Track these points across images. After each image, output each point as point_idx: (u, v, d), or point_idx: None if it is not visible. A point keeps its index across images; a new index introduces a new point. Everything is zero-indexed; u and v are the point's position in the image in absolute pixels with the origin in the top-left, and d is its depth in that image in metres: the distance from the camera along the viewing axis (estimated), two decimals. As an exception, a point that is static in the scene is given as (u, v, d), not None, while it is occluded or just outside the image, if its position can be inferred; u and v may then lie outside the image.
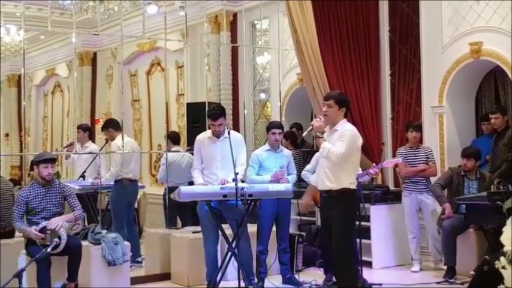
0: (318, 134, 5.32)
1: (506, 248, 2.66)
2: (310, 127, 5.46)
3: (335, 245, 5.27)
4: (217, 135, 6.19)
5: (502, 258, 2.66)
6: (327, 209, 5.35)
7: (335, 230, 5.28)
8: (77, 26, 8.54)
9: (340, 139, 5.20)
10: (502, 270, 2.68)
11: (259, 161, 6.75)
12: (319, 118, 5.40)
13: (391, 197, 7.95)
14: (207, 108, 7.99)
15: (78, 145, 8.90)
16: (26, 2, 8.34)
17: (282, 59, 9.64)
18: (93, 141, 13.02)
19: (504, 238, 2.71)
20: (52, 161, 6.20)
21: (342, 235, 5.29)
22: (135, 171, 8.31)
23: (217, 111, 6.15)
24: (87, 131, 9.19)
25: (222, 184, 5.79)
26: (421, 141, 7.75)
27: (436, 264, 7.53)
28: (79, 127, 9.19)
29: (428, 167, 7.51)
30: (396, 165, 7.65)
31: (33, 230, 5.95)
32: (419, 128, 7.66)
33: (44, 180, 6.17)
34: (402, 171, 7.59)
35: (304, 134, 6.02)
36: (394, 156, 7.88)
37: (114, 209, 8.25)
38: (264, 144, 7.14)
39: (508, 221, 2.74)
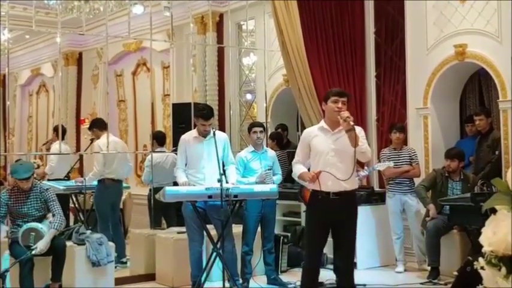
0: (352, 123, 4.97)
1: (485, 249, 2.67)
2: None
3: (347, 252, 5.21)
4: (204, 135, 6.19)
5: (480, 259, 2.67)
6: (334, 212, 5.06)
7: (349, 236, 5.19)
8: (62, 26, 8.48)
9: (362, 137, 5.09)
10: (481, 271, 2.69)
11: (244, 163, 6.76)
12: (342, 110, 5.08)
13: (375, 198, 7.98)
14: (192, 109, 8.02)
15: (55, 145, 8.97)
16: (11, 1, 8.28)
17: (268, 60, 9.65)
18: (78, 141, 13.02)
19: (483, 239, 2.72)
20: (25, 179, 6.07)
21: (354, 241, 5.31)
22: (119, 172, 8.29)
23: (208, 111, 6.19)
24: (55, 132, 9.20)
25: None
26: (405, 142, 7.79)
27: (420, 265, 7.56)
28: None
29: (412, 168, 7.55)
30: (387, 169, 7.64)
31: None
32: (402, 130, 7.70)
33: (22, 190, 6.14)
34: (386, 172, 7.62)
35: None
36: (378, 157, 7.91)
37: (97, 209, 8.24)
38: (248, 146, 7.13)
39: (487, 222, 2.76)
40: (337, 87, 7.97)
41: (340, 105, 5.10)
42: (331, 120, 5.14)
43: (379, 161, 7.66)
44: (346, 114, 4.98)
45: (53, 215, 6.17)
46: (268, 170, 6.71)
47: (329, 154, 5.10)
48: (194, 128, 6.42)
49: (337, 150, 5.08)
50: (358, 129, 5.13)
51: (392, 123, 7.92)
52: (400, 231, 7.60)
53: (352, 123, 4.93)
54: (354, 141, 4.94)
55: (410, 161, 7.57)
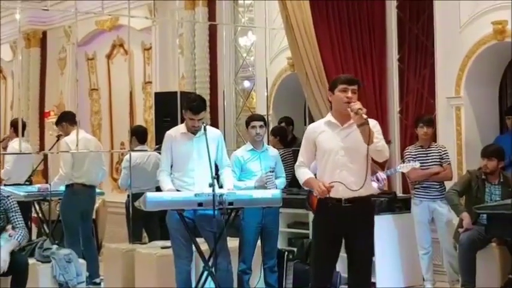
0: (365, 116, 4.93)
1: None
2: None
3: (363, 269, 5.21)
4: (193, 131, 6.20)
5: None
6: (347, 222, 5.09)
7: (365, 250, 5.21)
8: (23, 0, 8.49)
9: (377, 132, 5.07)
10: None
11: (241, 164, 6.77)
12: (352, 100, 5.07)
13: (398, 205, 7.98)
14: (179, 99, 8.03)
15: (12, 143, 8.99)
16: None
17: (269, 40, 9.64)
18: (42, 139, 13.02)
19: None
20: None
21: (371, 257, 5.33)
22: (90, 175, 8.30)
23: (200, 103, 6.18)
24: (13, 127, 9.28)
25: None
26: (434, 138, 7.79)
27: (452, 284, 7.58)
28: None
29: (442, 169, 7.55)
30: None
31: None
32: (431, 123, 7.68)
33: None
34: (411, 175, 7.62)
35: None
36: (402, 157, 7.92)
37: (65, 220, 8.24)
38: (246, 143, 7.14)
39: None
40: (352, 71, 8.03)
41: (349, 94, 5.07)
42: (340, 112, 5.14)
43: (403, 161, 7.66)
44: (357, 105, 4.96)
45: (14, 228, 6.17)
46: (270, 172, 6.72)
47: (338, 153, 5.09)
48: (182, 123, 6.42)
49: (348, 149, 5.08)
50: (373, 123, 5.12)
51: (418, 116, 7.91)
52: (428, 245, 7.60)
53: (365, 116, 4.91)
54: (368, 137, 4.94)
55: (441, 161, 7.57)
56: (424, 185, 7.58)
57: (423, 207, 7.58)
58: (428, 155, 7.60)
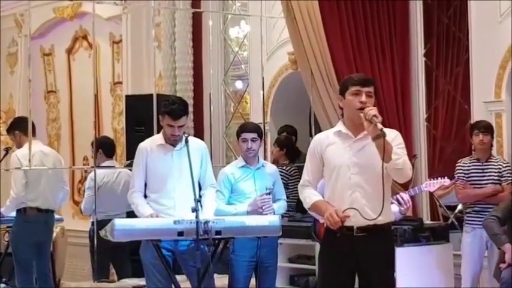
0: (382, 128, 4.87)
1: None
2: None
3: None
4: (173, 142, 6.20)
5: None
6: (361, 256, 5.08)
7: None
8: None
9: (398, 146, 5.05)
10: None
11: (231, 183, 6.73)
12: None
13: (425, 234, 7.96)
14: (155, 104, 8.01)
15: None
16: None
17: (266, 30, 9.66)
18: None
19: None
20: None
21: None
22: (47, 197, 8.30)
23: (179, 107, 6.15)
24: None
25: None
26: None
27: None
28: None
29: (501, 189, 7.51)
30: (447, 187, 7.62)
31: None
32: (488, 130, 7.57)
33: None
34: (459, 194, 7.60)
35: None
36: (430, 175, 7.90)
37: (16, 253, 8.23)
38: (238, 158, 7.12)
39: None
40: (368, 70, 8.04)
41: (363, 98, 5.04)
42: (353, 121, 5.12)
43: (434, 178, 7.59)
44: (372, 111, 4.91)
45: None
46: (267, 194, 6.68)
47: (350, 171, 5.07)
48: (158, 132, 6.41)
49: (362, 165, 5.05)
50: (393, 134, 5.10)
51: (476, 121, 7.84)
52: (472, 284, 7.57)
53: (380, 126, 4.90)
54: (383, 153, 4.92)
55: (499, 179, 7.55)
56: (476, 208, 7.56)
57: (475, 235, 7.55)
58: (485, 170, 7.54)
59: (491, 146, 7.62)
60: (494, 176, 7.51)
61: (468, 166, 7.57)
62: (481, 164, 7.56)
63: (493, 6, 7.95)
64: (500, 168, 7.53)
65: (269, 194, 6.68)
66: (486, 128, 7.57)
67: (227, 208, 6.58)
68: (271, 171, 6.96)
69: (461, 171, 7.56)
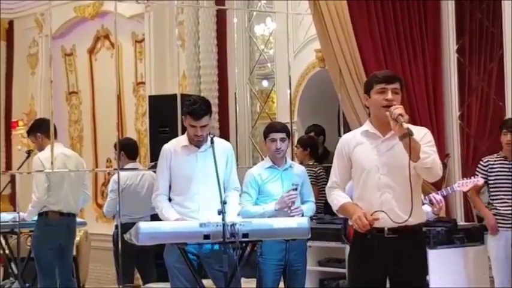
0: (408, 127, 4.87)
1: None
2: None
3: None
4: (197, 143, 6.21)
5: None
6: (391, 258, 5.07)
7: None
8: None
9: (427, 144, 5.04)
10: None
11: (258, 185, 6.75)
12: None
13: (460, 236, 7.93)
14: (179, 105, 8.04)
15: None
16: None
17: (292, 28, 9.66)
18: (8, 155, 13.08)
19: None
20: None
21: None
22: (69, 201, 8.34)
23: (201, 107, 6.16)
24: None
25: None
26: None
27: None
28: None
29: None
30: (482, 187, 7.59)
31: None
32: None
33: None
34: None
35: None
36: (464, 175, 7.87)
37: (38, 258, 8.28)
38: (264, 159, 7.13)
39: None
40: (398, 67, 8.04)
41: (389, 96, 5.03)
42: (380, 120, 5.10)
43: (475, 176, 7.56)
44: (398, 110, 4.90)
45: None
46: (294, 189, 6.68)
47: (379, 171, 5.06)
48: (183, 133, 6.44)
49: (391, 166, 5.04)
50: (422, 132, 5.09)
51: (505, 120, 7.84)
52: (504, 286, 7.56)
53: (406, 125, 4.88)
54: (410, 152, 4.89)
55: None
56: (502, 211, 7.54)
57: (500, 238, 7.53)
58: None
59: None
60: None
61: (492, 164, 7.55)
62: (508, 162, 7.53)
63: (528, -1, 7.93)
64: None
65: (296, 189, 6.69)
66: None
67: (254, 209, 6.62)
68: (299, 171, 6.96)
69: (481, 168, 7.57)
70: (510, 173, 7.53)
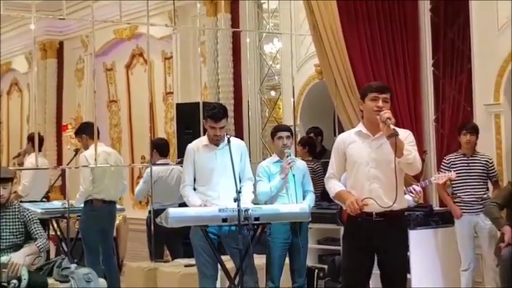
0: (394, 128, 4.95)
1: None
2: None
3: (397, 284, 5.21)
4: (216, 142, 6.22)
5: None
6: (379, 238, 5.10)
7: (399, 267, 5.23)
8: (38, 9, 8.58)
9: (410, 143, 5.09)
10: None
11: (268, 174, 6.80)
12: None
13: (435, 219, 7.93)
14: (201, 111, 8.06)
15: (29, 158, 9.05)
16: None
17: (295, 46, 9.66)
18: (60, 153, 13.09)
19: None
20: (4, 181, 6.19)
21: (405, 273, 5.31)
22: (110, 190, 8.35)
23: (219, 111, 6.19)
24: (30, 141, 9.38)
25: None
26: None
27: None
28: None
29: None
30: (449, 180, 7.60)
31: None
32: (474, 131, 7.63)
33: None
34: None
35: None
36: (438, 168, 7.88)
37: (84, 238, 8.30)
38: (272, 155, 7.16)
39: None
40: (383, 79, 8.01)
41: (380, 103, 5.08)
42: (371, 122, 5.14)
43: (440, 171, 7.61)
44: (386, 114, 4.96)
45: (35, 239, 6.23)
46: (288, 156, 6.73)
47: (369, 165, 5.11)
48: (204, 134, 6.45)
49: (379, 161, 5.09)
50: (406, 133, 5.14)
51: (463, 123, 7.88)
52: (469, 261, 7.56)
53: (392, 126, 4.92)
54: (396, 149, 4.93)
55: (486, 174, 7.53)
56: (465, 199, 7.55)
57: (463, 221, 7.55)
58: (471, 164, 7.55)
59: (476, 144, 7.62)
60: (479, 169, 7.52)
61: (454, 161, 7.59)
62: (467, 158, 7.57)
63: (492, 22, 7.89)
64: (486, 165, 7.54)
65: (289, 156, 6.74)
66: (472, 129, 7.62)
67: (267, 187, 6.73)
68: (301, 165, 6.99)
69: (448, 165, 7.58)
70: (469, 167, 7.55)
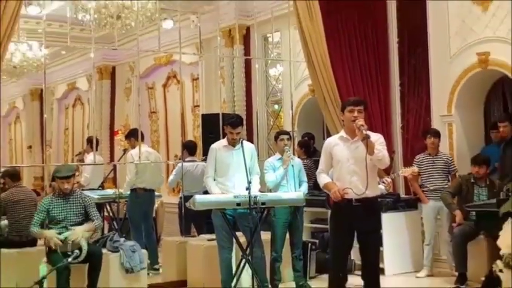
0: (367, 133, 4.95)
1: (503, 251, 2.62)
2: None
3: (373, 256, 5.18)
4: (233, 144, 6.19)
5: (498, 262, 2.62)
6: (357, 218, 5.06)
7: (373, 241, 5.20)
8: (96, 42, 8.57)
9: (380, 144, 5.09)
10: (499, 274, 2.64)
11: (273, 168, 6.79)
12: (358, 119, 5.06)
13: (401, 204, 7.89)
14: (221, 119, 8.03)
15: (89, 156, 9.04)
16: (47, 18, 8.39)
17: (293, 70, 9.61)
18: (112, 152, 13.11)
19: (500, 242, 2.67)
20: (67, 178, 6.18)
21: (378, 246, 5.33)
22: (150, 181, 8.32)
23: (237, 120, 6.21)
24: (89, 143, 9.43)
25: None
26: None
27: (450, 269, 7.44)
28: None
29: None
30: (411, 174, 7.53)
31: (49, 233, 5.97)
32: (437, 135, 7.59)
33: (63, 193, 6.20)
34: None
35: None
36: (404, 165, 7.83)
37: (130, 218, 8.32)
38: (275, 154, 7.13)
39: (505, 226, 2.70)
40: (362, 95, 7.97)
41: (356, 114, 5.09)
42: (350, 129, 5.15)
43: (407, 167, 7.55)
44: (360, 122, 4.99)
45: (92, 220, 6.22)
46: (287, 148, 6.73)
47: (349, 161, 5.13)
48: (223, 138, 6.43)
49: (357, 158, 5.09)
50: (377, 136, 5.14)
51: (427, 128, 7.84)
52: (431, 237, 7.51)
53: (365, 132, 4.93)
54: (367, 149, 4.95)
55: (448, 169, 7.48)
56: (430, 188, 7.50)
57: (430, 206, 7.49)
58: (435, 162, 7.55)
59: (438, 145, 7.59)
60: (442, 165, 7.50)
61: (423, 160, 7.55)
62: (432, 157, 7.53)
63: (445, 52, 7.86)
64: (448, 162, 7.52)
65: (288, 147, 6.79)
66: (435, 133, 7.61)
67: (273, 176, 6.72)
68: (298, 162, 6.97)
69: (418, 162, 7.56)
70: (434, 164, 7.51)
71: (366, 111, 5.26)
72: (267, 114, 10.72)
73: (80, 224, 6.17)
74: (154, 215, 9.16)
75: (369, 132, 5.03)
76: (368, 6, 8.42)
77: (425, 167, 7.54)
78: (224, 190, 6.09)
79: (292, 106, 9.47)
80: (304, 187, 6.85)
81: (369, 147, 4.93)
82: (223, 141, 6.33)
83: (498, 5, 7.27)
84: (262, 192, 6.15)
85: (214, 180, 6.23)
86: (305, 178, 6.96)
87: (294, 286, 6.84)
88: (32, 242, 7.00)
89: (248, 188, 5.51)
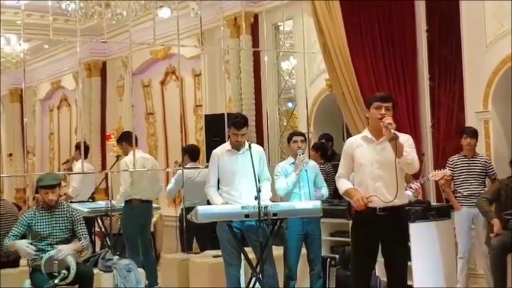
0: (395, 132, 4.97)
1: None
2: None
3: (400, 272, 5.21)
4: (237, 147, 6.25)
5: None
6: (382, 230, 5.12)
7: (401, 255, 5.23)
8: (83, 34, 8.65)
9: (409, 146, 5.12)
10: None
11: (285, 173, 6.82)
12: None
13: (432, 213, 7.88)
14: (226, 121, 8.09)
15: (77, 164, 9.12)
16: (26, 8, 8.42)
17: (308, 63, 9.68)
18: (104, 159, 13.17)
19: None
20: (51, 187, 6.24)
21: (406, 262, 5.31)
22: (147, 191, 8.39)
23: (241, 120, 6.25)
24: (78, 149, 9.40)
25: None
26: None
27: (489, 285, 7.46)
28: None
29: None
30: (443, 178, 7.58)
31: (19, 243, 6.01)
32: (475, 135, 7.60)
33: (48, 205, 6.26)
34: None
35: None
36: (434, 167, 7.85)
37: (125, 233, 8.36)
38: (288, 158, 7.18)
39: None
40: (386, 91, 7.99)
41: (383, 111, 5.11)
42: (376, 128, 5.17)
43: (438, 170, 7.57)
44: (388, 120, 5.00)
45: (79, 239, 6.27)
46: (301, 154, 6.77)
47: (373, 166, 5.13)
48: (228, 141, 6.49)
49: (382, 162, 5.11)
50: (406, 137, 5.15)
51: (460, 127, 7.87)
52: (465, 250, 7.54)
53: (393, 131, 4.95)
54: (396, 151, 4.96)
55: (485, 173, 7.52)
56: (464, 194, 7.53)
57: (463, 214, 7.52)
58: (471, 164, 7.54)
59: (475, 146, 7.60)
60: (479, 169, 7.51)
61: (458, 162, 7.56)
62: (468, 159, 7.55)
63: (480, 39, 7.88)
64: (486, 165, 7.52)
65: (302, 154, 6.80)
66: (472, 133, 7.59)
67: (284, 182, 6.75)
68: (313, 166, 7.03)
69: (452, 165, 7.57)
70: (469, 167, 7.54)
71: (394, 109, 5.29)
72: (279, 113, 10.78)
73: (68, 240, 6.24)
74: (152, 229, 9.22)
75: (396, 133, 5.05)
76: (392, -12, 8.49)
77: (460, 171, 7.56)
78: (230, 201, 6.14)
79: (307, 104, 9.54)
80: (325, 192, 6.94)
81: (398, 149, 4.95)
82: (226, 145, 6.38)
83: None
84: (273, 201, 6.20)
85: (219, 189, 6.29)
86: (324, 183, 7.02)
87: (311, 308, 6.90)
88: (14, 263, 7.07)
89: (257, 197, 5.57)
